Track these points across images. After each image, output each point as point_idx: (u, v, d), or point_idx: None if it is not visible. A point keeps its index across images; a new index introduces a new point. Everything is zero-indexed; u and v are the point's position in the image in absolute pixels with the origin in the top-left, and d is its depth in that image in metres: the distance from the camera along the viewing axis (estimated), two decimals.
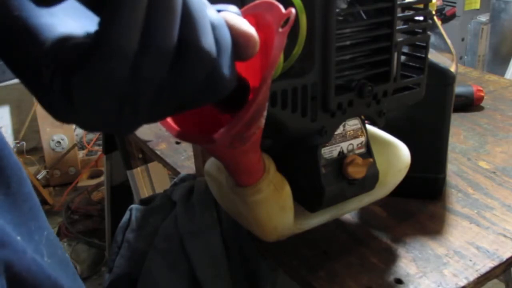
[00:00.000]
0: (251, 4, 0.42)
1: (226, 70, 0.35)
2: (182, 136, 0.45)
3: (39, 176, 2.40)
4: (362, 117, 0.57)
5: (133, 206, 0.72)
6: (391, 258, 0.61)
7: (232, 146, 0.44)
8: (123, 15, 0.29)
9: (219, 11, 0.37)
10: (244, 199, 0.52)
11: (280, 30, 0.39)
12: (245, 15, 0.43)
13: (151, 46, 0.30)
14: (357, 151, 0.57)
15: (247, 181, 0.51)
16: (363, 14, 0.53)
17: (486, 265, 0.59)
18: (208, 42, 0.33)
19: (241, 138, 0.43)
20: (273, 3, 0.40)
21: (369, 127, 0.60)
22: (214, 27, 0.34)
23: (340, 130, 0.55)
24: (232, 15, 0.36)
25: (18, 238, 0.35)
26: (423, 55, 0.57)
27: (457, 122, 0.92)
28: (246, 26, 0.36)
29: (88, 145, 2.55)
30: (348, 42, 0.52)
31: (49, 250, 0.40)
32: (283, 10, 0.39)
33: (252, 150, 0.48)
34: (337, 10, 0.49)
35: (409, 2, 0.55)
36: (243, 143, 0.44)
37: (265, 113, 0.42)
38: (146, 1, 0.29)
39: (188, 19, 0.31)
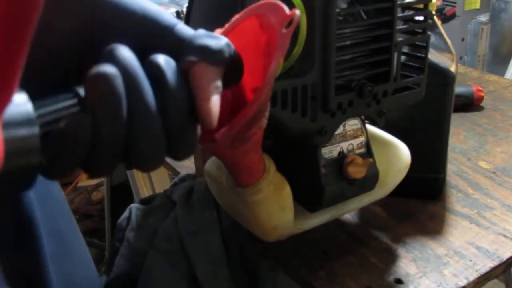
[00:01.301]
0: (255, 4, 0.42)
1: (182, 152, 0.36)
2: None
3: None
4: (362, 117, 0.57)
5: (133, 205, 0.72)
6: (391, 258, 0.61)
7: (233, 146, 0.44)
8: (62, 157, 0.32)
9: (191, 53, 0.36)
10: (244, 199, 0.52)
11: (284, 31, 0.39)
12: (248, 15, 0.43)
13: (94, 171, 0.35)
14: (357, 151, 0.57)
15: (248, 181, 0.51)
16: (363, 14, 0.53)
17: (486, 265, 0.59)
18: (155, 160, 0.35)
19: (242, 138, 0.43)
20: (277, 4, 0.40)
21: (369, 127, 0.60)
22: (169, 122, 0.35)
23: (340, 130, 0.55)
24: (203, 78, 0.36)
25: None
26: (423, 55, 0.57)
27: (457, 122, 0.92)
28: (212, 108, 0.36)
29: None
30: (348, 42, 0.52)
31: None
32: (287, 11, 0.39)
33: (253, 150, 0.48)
34: (337, 10, 0.49)
35: (409, 2, 0.55)
36: (244, 143, 0.44)
37: (267, 114, 0.42)
38: (86, 150, 0.32)
39: (134, 151, 0.34)
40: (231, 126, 0.40)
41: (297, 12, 0.38)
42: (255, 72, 0.41)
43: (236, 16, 0.43)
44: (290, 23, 0.38)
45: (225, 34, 0.44)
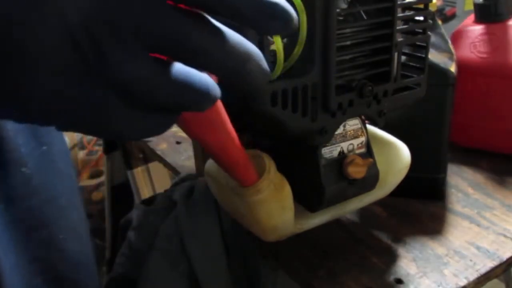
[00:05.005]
0: None
1: None
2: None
3: None
4: (362, 117, 0.57)
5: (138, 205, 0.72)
6: (391, 258, 0.61)
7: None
8: None
9: None
10: (244, 199, 0.52)
11: None
12: None
13: None
14: (357, 151, 0.57)
15: (244, 179, 0.51)
16: (363, 14, 0.53)
17: (486, 265, 0.59)
18: None
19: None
20: None
21: (369, 127, 0.60)
22: None
23: (340, 130, 0.55)
24: None
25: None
26: (423, 55, 0.57)
27: None
28: None
29: (89, 145, 2.55)
30: (348, 42, 0.52)
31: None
32: None
33: (227, 144, 0.46)
34: (338, 10, 0.49)
35: (409, 2, 0.55)
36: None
37: None
38: None
39: None
40: None
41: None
42: None
43: None
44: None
45: None
